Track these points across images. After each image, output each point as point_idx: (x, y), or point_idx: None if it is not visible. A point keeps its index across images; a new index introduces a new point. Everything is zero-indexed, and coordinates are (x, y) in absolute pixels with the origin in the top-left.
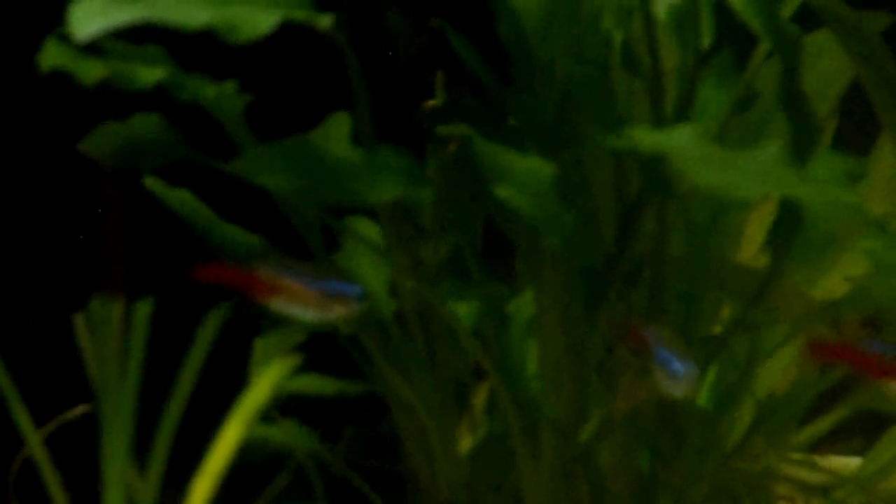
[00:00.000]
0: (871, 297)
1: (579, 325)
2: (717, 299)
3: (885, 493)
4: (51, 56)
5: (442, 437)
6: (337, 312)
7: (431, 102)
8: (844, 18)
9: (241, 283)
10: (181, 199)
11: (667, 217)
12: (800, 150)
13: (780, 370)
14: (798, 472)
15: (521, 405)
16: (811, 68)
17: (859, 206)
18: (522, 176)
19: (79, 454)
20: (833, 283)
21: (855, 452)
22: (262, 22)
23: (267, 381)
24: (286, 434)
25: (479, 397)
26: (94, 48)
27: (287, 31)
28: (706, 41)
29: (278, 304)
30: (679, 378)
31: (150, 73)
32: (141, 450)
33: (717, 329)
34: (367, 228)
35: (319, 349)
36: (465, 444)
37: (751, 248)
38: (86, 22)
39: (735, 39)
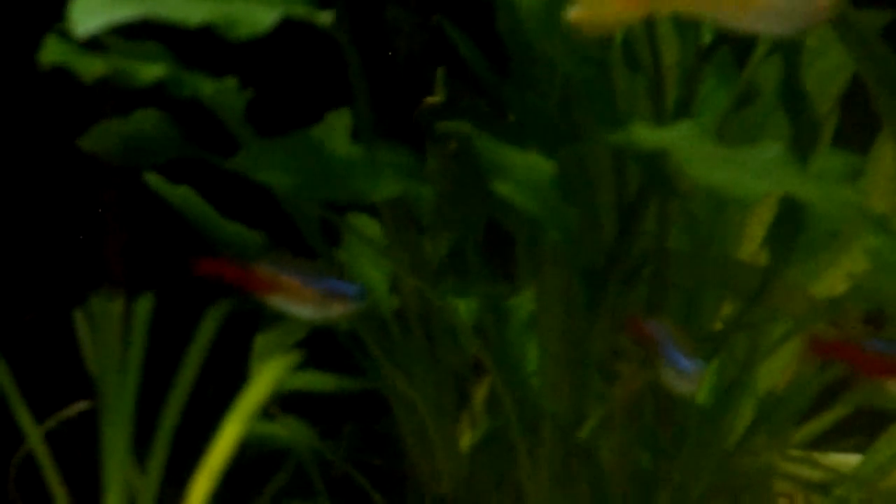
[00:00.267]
0: (872, 295)
1: (580, 321)
2: (718, 296)
3: (885, 491)
4: (51, 52)
5: (442, 433)
6: (335, 311)
7: (432, 99)
8: (844, 16)
9: (240, 279)
10: (182, 195)
11: (667, 214)
12: (800, 148)
13: (780, 367)
14: (798, 469)
15: (522, 402)
16: (811, 66)
17: (860, 204)
18: (523, 172)
19: (79, 450)
20: (834, 281)
21: (855, 450)
22: (262, 18)
23: (267, 377)
24: (286, 431)
25: (480, 394)
26: (94, 44)
27: (287, 28)
28: (707, 38)
29: (276, 302)
30: (686, 374)
31: (150, 70)
32: (141, 446)
33: (718, 326)
34: (368, 225)
35: (320, 346)
36: (466, 440)
37: (751, 245)
38: (86, 18)
39: (735, 37)
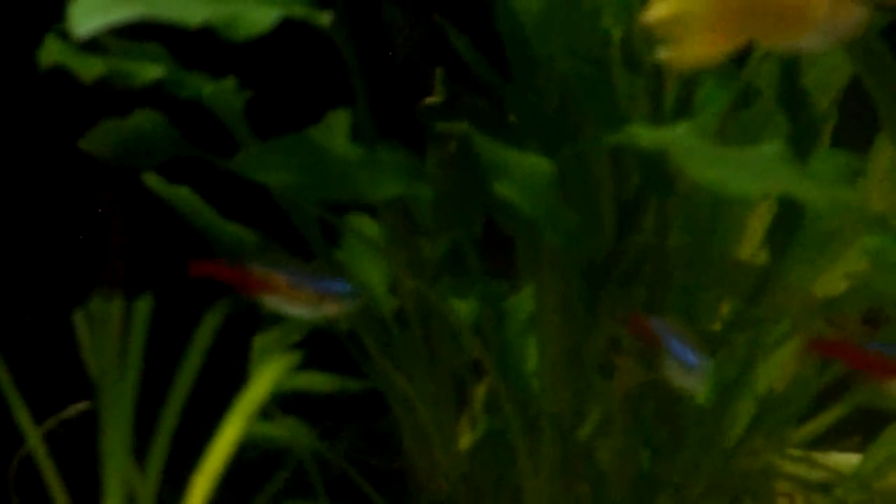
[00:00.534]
0: (871, 295)
1: (579, 321)
2: (717, 296)
3: (884, 490)
4: (51, 53)
5: (441, 433)
6: (329, 310)
7: (431, 99)
8: None
9: (234, 279)
10: (181, 195)
11: (667, 214)
12: (799, 148)
13: (779, 367)
14: (798, 469)
15: (521, 402)
16: (810, 66)
17: (859, 204)
18: (522, 173)
19: (78, 451)
20: (833, 281)
21: (854, 449)
22: (261, 19)
23: (266, 377)
24: (286, 431)
25: (479, 394)
26: (93, 45)
27: (286, 28)
28: None
29: (270, 302)
30: (692, 370)
31: (149, 70)
32: (140, 446)
33: (717, 326)
34: (367, 225)
35: (319, 346)
36: (465, 440)
37: (751, 244)
38: (85, 19)
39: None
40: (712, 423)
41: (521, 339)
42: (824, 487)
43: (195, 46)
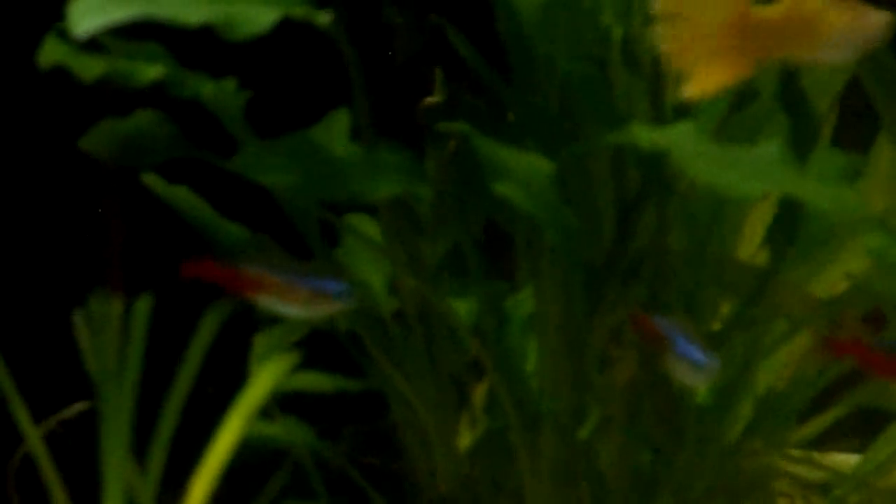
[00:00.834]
0: (872, 294)
1: (579, 321)
2: (717, 296)
3: (884, 490)
4: (50, 53)
5: (441, 434)
6: (323, 309)
7: (430, 99)
8: None
9: (228, 279)
10: (180, 195)
11: (666, 213)
12: (799, 148)
13: (779, 367)
14: (797, 469)
15: (521, 402)
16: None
17: (859, 203)
18: (522, 172)
19: (78, 451)
20: (833, 280)
21: (854, 449)
22: (261, 19)
23: (266, 378)
24: (286, 431)
25: (479, 394)
26: (93, 45)
27: (286, 28)
28: None
29: (264, 301)
30: (699, 368)
31: (149, 70)
32: (140, 447)
33: (717, 326)
34: (367, 225)
35: (319, 346)
36: (465, 440)
37: (751, 244)
38: (85, 18)
39: None
40: (712, 423)
41: (521, 339)
42: (824, 488)
43: (195, 46)
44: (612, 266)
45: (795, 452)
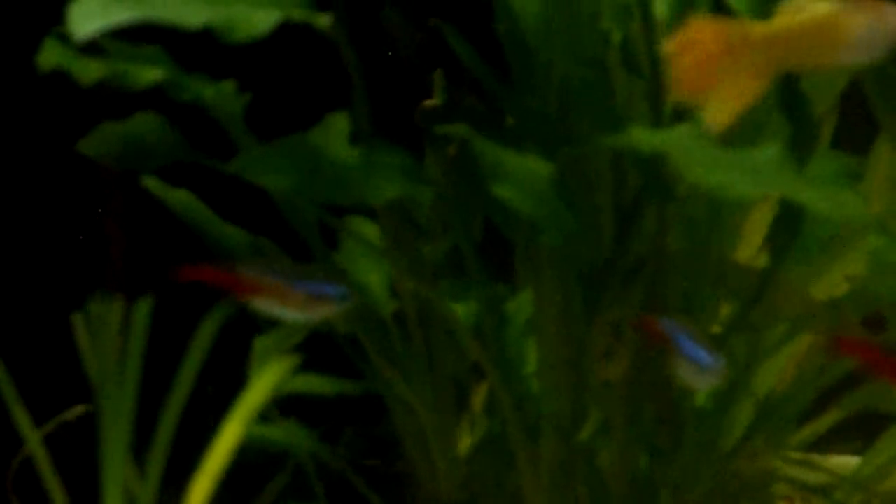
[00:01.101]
0: (872, 297)
1: (578, 324)
2: (717, 298)
3: (884, 493)
4: (50, 55)
5: (441, 436)
6: (320, 313)
7: (430, 102)
8: None
9: (225, 283)
10: (180, 198)
11: (666, 216)
12: (799, 151)
13: (779, 369)
14: (797, 471)
15: (520, 404)
16: None
17: (859, 206)
18: (521, 175)
19: (78, 454)
20: (833, 283)
21: (854, 452)
22: (260, 21)
23: (266, 380)
24: (285, 434)
25: (478, 397)
26: (93, 48)
27: (286, 31)
28: None
29: (261, 304)
30: (705, 369)
31: (149, 73)
32: (140, 449)
33: (717, 328)
34: (367, 228)
35: (318, 349)
36: (465, 443)
37: (751, 247)
38: (85, 21)
39: None
40: (712, 426)
41: (521, 342)
42: (824, 490)
43: (195, 49)
44: (611, 268)
45: (795, 455)
